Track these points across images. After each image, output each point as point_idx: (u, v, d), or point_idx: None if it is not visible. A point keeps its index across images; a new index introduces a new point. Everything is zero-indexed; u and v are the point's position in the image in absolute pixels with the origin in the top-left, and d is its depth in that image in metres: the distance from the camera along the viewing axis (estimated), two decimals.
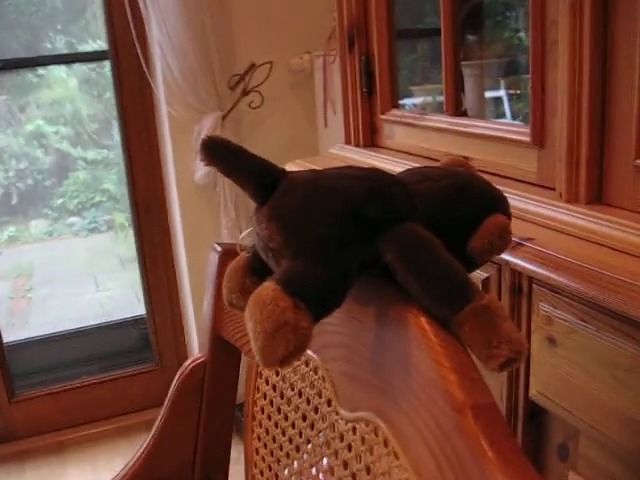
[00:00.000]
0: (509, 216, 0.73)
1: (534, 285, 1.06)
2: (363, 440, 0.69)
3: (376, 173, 0.70)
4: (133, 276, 3.18)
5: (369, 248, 0.64)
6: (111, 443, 2.58)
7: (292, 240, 0.62)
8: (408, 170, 0.76)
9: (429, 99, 1.84)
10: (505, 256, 1.02)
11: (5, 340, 2.56)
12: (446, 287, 0.61)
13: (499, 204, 0.73)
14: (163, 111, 2.38)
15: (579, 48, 1.03)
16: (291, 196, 0.64)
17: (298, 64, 2.37)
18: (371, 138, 1.66)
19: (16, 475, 2.42)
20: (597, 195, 1.07)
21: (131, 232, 2.69)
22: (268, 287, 0.59)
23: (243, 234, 0.71)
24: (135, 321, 2.91)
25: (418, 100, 1.89)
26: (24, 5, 3.77)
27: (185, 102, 2.30)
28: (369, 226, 0.64)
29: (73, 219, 4.57)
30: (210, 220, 2.42)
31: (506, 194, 1.11)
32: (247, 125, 2.42)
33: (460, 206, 0.69)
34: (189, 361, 1.00)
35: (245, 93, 2.33)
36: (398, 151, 1.57)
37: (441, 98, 1.53)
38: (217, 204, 2.38)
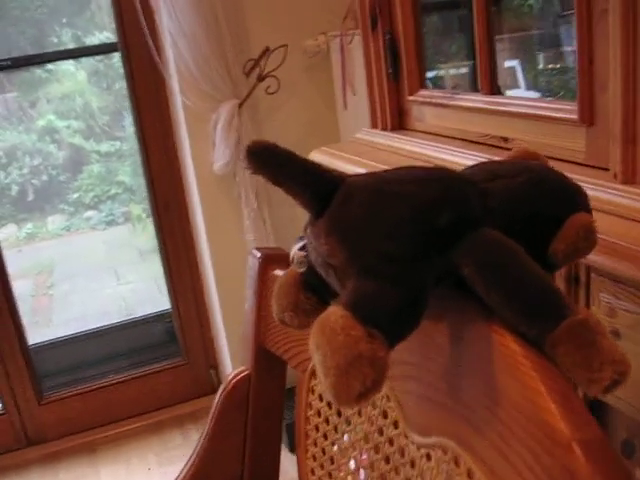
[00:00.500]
0: (590, 212, 0.65)
1: (593, 275, 0.98)
2: (439, 468, 0.62)
3: (445, 173, 0.63)
4: (153, 267, 3.13)
5: (444, 261, 0.56)
6: (143, 440, 2.53)
7: (357, 256, 0.54)
8: (474, 166, 0.69)
9: (458, 75, 1.75)
10: None
11: (30, 342, 2.51)
12: (536, 302, 0.53)
13: (580, 200, 0.65)
14: (178, 101, 2.30)
15: (632, 17, 0.95)
16: (352, 206, 0.57)
17: (314, 46, 2.28)
18: (399, 121, 1.58)
19: (50, 477, 2.38)
20: None
21: (149, 223, 2.62)
22: (336, 313, 0.51)
23: (294, 250, 0.63)
24: (160, 316, 2.85)
25: (446, 77, 1.80)
26: (28, 1, 3.68)
27: (200, 91, 2.21)
28: (443, 236, 0.56)
29: (90, 213, 4.51)
30: (231, 210, 2.34)
31: None
32: (264, 111, 2.34)
33: (539, 205, 0.62)
34: (232, 375, 0.93)
35: (261, 79, 2.24)
36: (429, 134, 1.49)
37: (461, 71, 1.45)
38: (237, 194, 2.31)
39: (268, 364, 0.90)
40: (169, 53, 2.25)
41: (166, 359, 2.68)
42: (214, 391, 0.96)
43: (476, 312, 0.57)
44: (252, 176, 2.28)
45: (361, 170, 1.44)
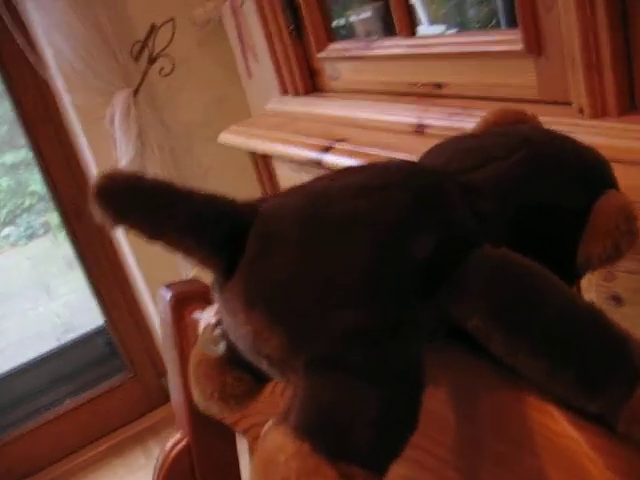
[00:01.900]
0: (618, 186, 0.45)
1: None
2: None
3: (407, 170, 0.41)
4: (82, 276, 2.87)
5: (432, 309, 0.36)
6: (106, 466, 2.31)
7: (300, 341, 0.33)
8: (442, 149, 0.48)
9: (370, 19, 1.54)
10: None
11: None
12: (593, 359, 0.33)
13: (604, 173, 0.45)
14: (66, 101, 2.02)
15: None
16: (277, 256, 0.35)
17: (203, 15, 2.02)
18: (312, 83, 1.36)
19: None
20: (630, 103, 0.80)
21: None
22: (285, 447, 0.30)
23: (202, 322, 0.42)
24: (98, 331, 2.59)
25: (356, 25, 1.58)
26: None
27: (88, 86, 1.94)
28: (424, 273, 0.35)
29: (7, 230, 4.17)
30: None
31: None
32: (163, 95, 2.08)
33: (551, 193, 0.41)
34: (169, 445, 0.72)
35: (152, 61, 1.98)
36: (349, 92, 1.27)
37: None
38: None
39: (210, 430, 0.69)
40: (46, 51, 1.96)
41: (112, 375, 2.44)
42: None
43: (496, 376, 0.36)
44: (165, 169, 2.04)
45: (282, 148, 1.22)
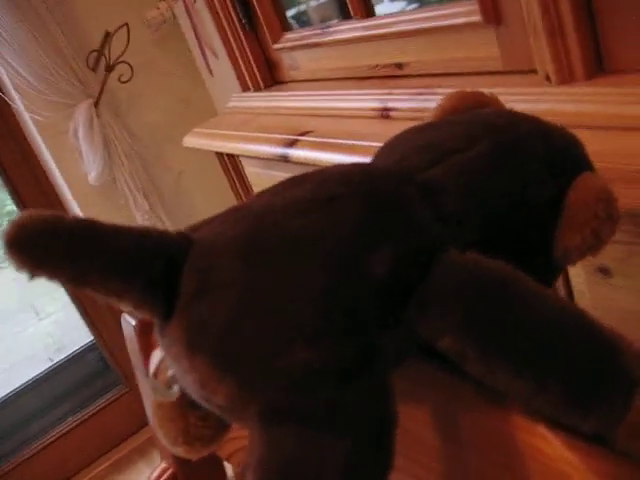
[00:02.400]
0: (593, 167, 0.41)
1: None
2: None
3: (354, 174, 0.37)
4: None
5: (398, 333, 0.32)
6: None
7: (252, 390, 0.29)
8: (395, 142, 0.43)
9: (324, 5, 1.49)
10: None
11: None
12: (584, 372, 0.29)
13: (576, 154, 0.41)
14: (27, 119, 1.97)
15: None
16: (216, 294, 0.31)
17: (157, 16, 1.96)
18: (271, 76, 1.31)
19: None
20: (598, 64, 0.76)
21: None
22: None
23: (152, 366, 0.37)
24: (89, 347, 2.54)
25: (310, 11, 1.53)
26: None
27: (47, 102, 1.89)
28: (386, 292, 0.31)
29: None
30: (122, 219, 2.04)
31: None
32: (125, 103, 2.02)
33: (520, 183, 0.37)
34: (154, 475, 0.68)
35: (110, 69, 1.92)
36: (309, 81, 1.23)
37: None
38: (124, 200, 2.01)
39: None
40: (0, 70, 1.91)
41: (107, 390, 2.40)
42: None
43: (478, 394, 0.32)
44: (134, 177, 1.99)
45: (246, 147, 1.17)
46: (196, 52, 1.95)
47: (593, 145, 0.71)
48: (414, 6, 1.92)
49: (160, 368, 0.36)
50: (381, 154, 0.44)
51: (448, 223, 0.35)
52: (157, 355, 0.37)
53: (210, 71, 1.91)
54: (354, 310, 0.30)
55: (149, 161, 2.07)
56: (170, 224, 2.02)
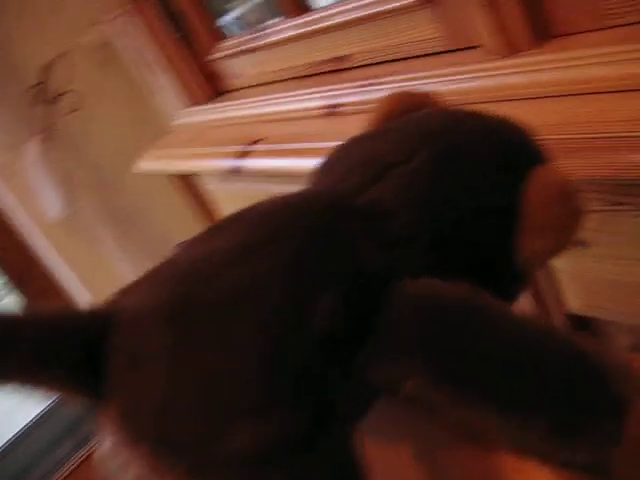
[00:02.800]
0: (545, 158, 0.37)
1: None
2: None
3: (292, 213, 0.33)
4: None
5: (354, 386, 0.28)
6: None
7: (200, 473, 0.25)
8: (336, 160, 0.39)
9: (258, 6, 1.45)
10: None
11: None
12: (563, 402, 0.25)
13: (525, 149, 0.37)
14: None
15: None
16: (146, 369, 0.27)
17: (95, 40, 1.91)
18: (214, 87, 1.26)
19: None
20: (543, 31, 0.72)
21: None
22: None
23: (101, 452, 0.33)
24: None
25: (246, 16, 1.49)
26: None
27: None
28: (335, 344, 0.27)
29: None
30: (91, 251, 1.99)
31: (422, 80, 0.75)
32: (78, 132, 1.96)
33: (469, 191, 0.33)
34: None
35: (55, 100, 1.86)
36: (254, 87, 1.18)
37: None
38: (91, 231, 1.95)
39: None
40: None
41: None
42: None
43: (457, 435, 0.28)
44: (99, 206, 1.93)
45: (198, 164, 1.13)
46: (140, 70, 1.89)
47: (548, 116, 0.67)
48: None
49: (107, 454, 0.32)
50: (319, 174, 0.40)
51: (396, 248, 0.31)
52: (106, 442, 0.33)
53: (156, 88, 1.86)
54: (300, 370, 0.26)
55: (111, 187, 2.01)
56: (139, 251, 1.97)
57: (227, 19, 1.77)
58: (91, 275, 2.00)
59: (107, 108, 1.98)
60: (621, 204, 0.63)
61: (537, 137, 0.40)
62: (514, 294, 0.36)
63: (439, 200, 0.32)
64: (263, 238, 0.30)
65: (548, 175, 0.34)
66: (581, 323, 0.84)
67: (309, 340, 0.26)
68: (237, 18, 1.76)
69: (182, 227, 1.82)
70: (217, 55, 1.18)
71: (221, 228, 0.33)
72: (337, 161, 0.39)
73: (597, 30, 0.68)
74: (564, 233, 0.32)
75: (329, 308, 0.27)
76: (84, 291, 2.00)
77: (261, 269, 0.29)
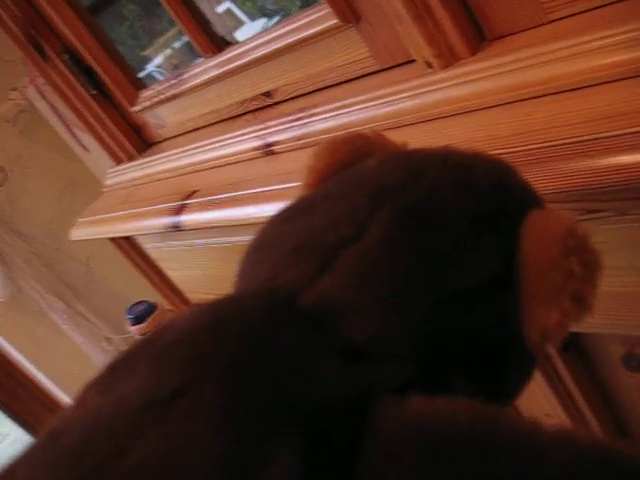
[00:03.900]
0: (542, 203, 0.29)
1: None
2: None
3: (213, 341, 0.24)
4: None
5: None
6: None
7: None
8: (261, 245, 0.31)
9: (179, 52, 1.38)
10: None
11: None
12: None
13: (514, 188, 0.29)
14: None
15: None
16: None
17: (11, 107, 1.81)
18: (141, 141, 1.18)
19: None
20: (479, 36, 0.66)
21: None
22: None
23: None
24: None
25: (170, 63, 1.42)
26: None
27: None
28: None
29: None
30: (41, 326, 1.87)
31: (357, 106, 0.68)
32: (7, 207, 1.86)
33: (448, 262, 0.25)
34: None
35: None
36: (180, 135, 1.10)
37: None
38: (38, 306, 1.84)
39: None
40: None
41: None
42: None
43: None
44: (41, 279, 1.82)
45: (134, 225, 1.04)
46: (64, 132, 1.80)
47: (500, 128, 0.60)
48: (276, 19, 1.83)
49: None
50: (246, 269, 0.31)
51: (364, 360, 0.23)
52: None
53: (84, 147, 1.77)
54: None
55: (51, 257, 1.90)
56: (92, 315, 1.86)
57: (150, 67, 1.69)
58: (42, 352, 1.88)
59: (36, 176, 1.88)
60: (599, 211, 0.57)
61: (522, 175, 0.32)
62: (524, 381, 0.28)
63: (409, 285, 0.24)
64: (177, 382, 0.22)
65: (546, 222, 0.26)
66: (571, 338, 0.77)
67: None
68: (159, 66, 1.68)
69: (132, 286, 1.72)
70: (139, 107, 1.09)
71: (123, 368, 0.25)
72: (265, 247, 0.30)
73: (538, 26, 0.62)
74: (581, 300, 0.25)
75: (287, 468, 0.19)
76: (39, 364, 1.89)
77: (174, 440, 0.20)
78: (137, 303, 1.72)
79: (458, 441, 0.19)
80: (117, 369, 0.25)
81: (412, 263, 0.24)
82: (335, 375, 0.22)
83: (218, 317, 0.25)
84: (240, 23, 1.80)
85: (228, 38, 1.12)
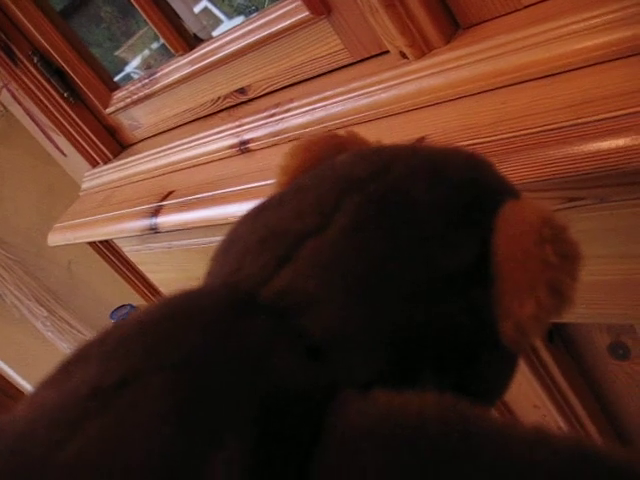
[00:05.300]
0: (518, 193, 0.28)
1: None
2: None
3: (168, 331, 0.23)
4: None
5: None
6: None
7: None
8: (231, 239, 0.29)
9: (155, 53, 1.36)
10: None
11: None
12: None
13: (486, 179, 0.27)
14: None
15: None
16: None
17: None
18: (117, 143, 1.15)
19: None
20: (452, 24, 0.64)
21: None
22: None
23: None
24: None
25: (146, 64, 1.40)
26: None
27: None
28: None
29: None
30: (24, 334, 1.85)
31: (333, 99, 0.67)
32: None
33: (418, 254, 0.23)
34: None
35: None
36: (156, 136, 1.08)
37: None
38: (19, 313, 1.81)
39: None
40: None
41: None
42: None
43: None
44: (22, 285, 1.79)
45: (112, 229, 1.02)
46: (40, 136, 1.77)
47: (477, 116, 0.59)
48: (253, 16, 1.82)
49: None
50: (213, 265, 0.30)
51: (326, 353, 0.21)
52: None
53: (62, 151, 1.74)
54: None
55: (31, 263, 1.87)
56: (75, 321, 1.84)
57: (128, 69, 1.67)
58: (25, 359, 1.85)
59: (14, 182, 1.85)
60: (579, 199, 0.55)
61: (496, 168, 0.31)
62: (504, 379, 0.26)
63: (375, 276, 0.22)
64: (122, 374, 0.20)
65: (521, 212, 0.25)
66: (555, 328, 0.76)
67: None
68: (137, 67, 1.66)
69: (114, 290, 1.70)
70: (113, 108, 1.07)
71: (79, 361, 0.23)
72: (233, 242, 0.29)
73: (513, 12, 0.61)
74: (558, 290, 0.23)
75: (238, 462, 0.18)
76: (21, 379, 1.86)
77: (126, 420, 0.19)
78: (120, 307, 1.70)
79: (425, 434, 0.18)
80: (70, 364, 0.24)
81: (379, 253, 0.23)
82: (295, 369, 0.21)
83: (175, 310, 0.24)
84: (218, 22, 1.80)
85: (207, 36, 1.10)
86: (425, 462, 0.18)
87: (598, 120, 0.48)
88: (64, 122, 1.13)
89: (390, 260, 0.23)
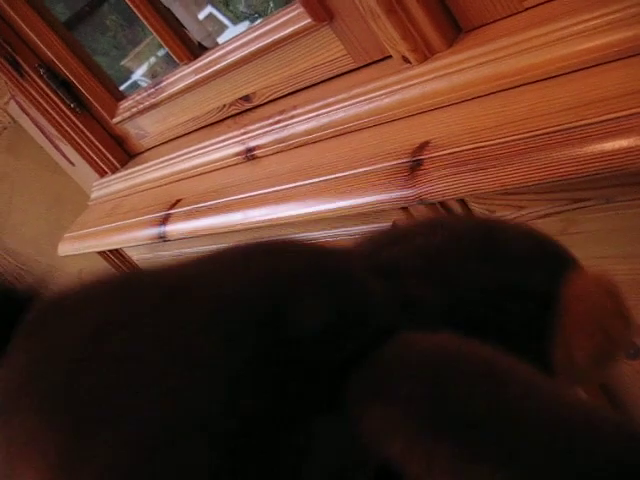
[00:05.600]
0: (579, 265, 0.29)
1: (472, 204, 0.64)
2: None
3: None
4: None
5: (335, 423, 0.19)
6: None
7: None
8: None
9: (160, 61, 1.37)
10: (404, 191, 0.60)
11: None
12: None
13: (560, 248, 0.29)
14: None
15: None
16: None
17: None
18: (124, 153, 1.16)
19: None
20: (454, 28, 0.64)
21: None
22: None
23: None
24: None
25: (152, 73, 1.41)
26: None
27: None
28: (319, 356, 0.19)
29: None
30: None
31: (338, 105, 0.67)
32: None
33: (503, 269, 0.25)
34: None
35: None
36: (163, 144, 1.08)
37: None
38: None
39: None
40: None
41: None
42: None
43: None
44: None
45: (121, 238, 1.02)
46: (48, 147, 1.78)
47: (480, 120, 0.59)
48: (258, 22, 1.82)
49: None
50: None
51: (408, 306, 0.23)
52: None
53: (70, 161, 1.75)
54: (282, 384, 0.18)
55: (42, 273, 1.88)
56: None
57: (135, 77, 1.68)
58: None
59: (23, 193, 1.86)
60: (584, 200, 0.56)
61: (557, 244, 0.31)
62: None
63: (469, 269, 0.24)
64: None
65: (588, 274, 0.26)
66: None
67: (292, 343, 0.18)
68: (143, 75, 1.67)
69: None
70: (119, 118, 1.08)
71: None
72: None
73: (514, 15, 0.61)
74: (611, 336, 0.24)
75: (316, 312, 0.19)
76: None
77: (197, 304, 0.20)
78: None
79: (464, 363, 0.19)
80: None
81: (472, 254, 0.25)
82: (382, 298, 0.22)
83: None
84: (223, 27, 1.80)
85: (211, 44, 1.11)
86: (463, 384, 0.19)
87: (601, 121, 0.48)
88: (72, 133, 1.13)
89: (483, 261, 0.25)
